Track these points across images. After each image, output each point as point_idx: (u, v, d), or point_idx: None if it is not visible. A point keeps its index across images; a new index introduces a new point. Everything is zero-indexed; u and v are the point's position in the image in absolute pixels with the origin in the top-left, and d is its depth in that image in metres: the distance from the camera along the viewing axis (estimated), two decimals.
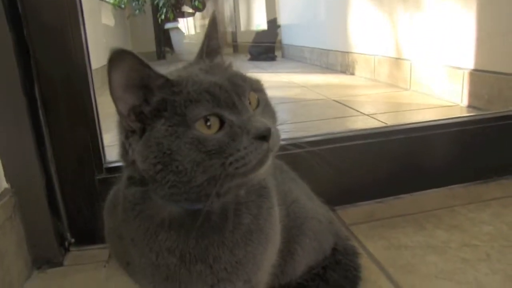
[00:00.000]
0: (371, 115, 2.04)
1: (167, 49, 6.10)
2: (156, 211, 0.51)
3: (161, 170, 0.46)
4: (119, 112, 0.48)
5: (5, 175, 0.94)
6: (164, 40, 6.04)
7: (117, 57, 0.45)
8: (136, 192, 0.53)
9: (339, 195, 1.15)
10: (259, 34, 5.31)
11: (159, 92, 0.47)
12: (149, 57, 5.73)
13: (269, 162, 0.49)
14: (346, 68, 3.45)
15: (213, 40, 0.56)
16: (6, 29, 0.87)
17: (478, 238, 0.98)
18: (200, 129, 0.46)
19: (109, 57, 0.45)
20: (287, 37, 5.17)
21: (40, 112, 0.96)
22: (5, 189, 0.94)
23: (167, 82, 0.48)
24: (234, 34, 6.60)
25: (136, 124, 0.48)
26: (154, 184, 0.48)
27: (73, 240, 1.05)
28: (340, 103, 2.37)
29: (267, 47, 5.08)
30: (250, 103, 0.50)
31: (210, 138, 0.46)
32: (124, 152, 0.51)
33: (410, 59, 2.53)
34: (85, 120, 0.98)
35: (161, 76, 0.48)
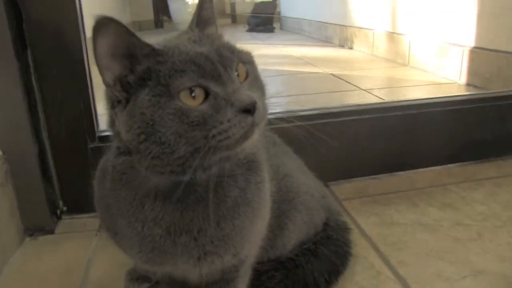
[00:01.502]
0: (368, 90, 2.03)
1: (165, 17, 6.01)
2: (143, 181, 0.50)
3: (144, 140, 0.45)
4: (105, 82, 0.47)
5: None
6: (162, 9, 5.94)
7: (102, 25, 0.44)
8: (124, 162, 0.52)
9: (333, 170, 1.14)
10: (258, 5, 5.23)
11: (144, 61, 0.46)
12: (147, 25, 5.72)
13: (255, 136, 0.48)
14: (344, 42, 3.41)
15: (205, 10, 0.55)
16: None
17: (471, 217, 0.98)
18: (184, 100, 0.45)
19: (93, 25, 0.44)
20: (286, 8, 5.10)
21: (33, 78, 0.94)
22: None
23: (153, 51, 0.47)
24: (233, 4, 6.49)
25: (121, 94, 0.47)
26: (137, 155, 0.47)
27: (65, 208, 1.05)
28: (337, 77, 2.35)
29: (265, 18, 5.01)
30: (238, 75, 0.49)
31: (193, 109, 0.45)
32: (111, 122, 0.50)
33: (409, 34, 2.50)
34: (78, 88, 0.96)
35: (147, 45, 0.46)
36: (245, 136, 0.46)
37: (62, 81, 0.95)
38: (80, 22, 0.93)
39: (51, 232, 0.99)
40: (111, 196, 0.55)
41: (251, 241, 0.59)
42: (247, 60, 0.51)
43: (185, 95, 0.45)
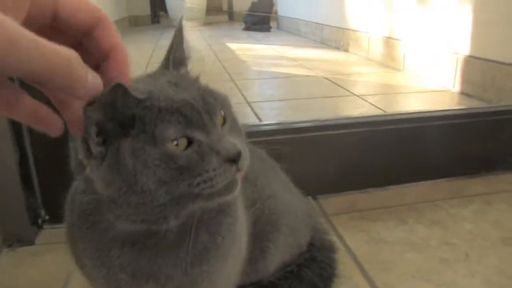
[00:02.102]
0: (361, 96, 2.02)
1: (162, 13, 5.97)
2: (110, 226, 0.48)
3: (125, 193, 0.42)
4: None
5: None
6: (159, 4, 5.90)
7: None
8: (91, 202, 0.49)
9: (322, 183, 1.13)
10: (256, 3, 5.20)
11: (128, 109, 0.43)
12: (143, 21, 5.70)
13: (238, 188, 0.47)
14: (340, 44, 3.40)
15: (180, 51, 0.52)
16: None
17: (459, 236, 0.96)
18: (169, 146, 0.43)
19: None
20: (283, 8, 5.08)
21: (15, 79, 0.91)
22: None
23: (140, 101, 0.43)
24: (230, 1, 6.46)
25: (98, 148, 0.43)
26: (111, 205, 0.45)
27: (47, 217, 1.03)
28: (331, 81, 2.33)
29: (262, 17, 4.99)
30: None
31: (180, 155, 0.43)
32: (78, 164, 0.46)
33: (405, 40, 2.49)
34: None
35: (133, 97, 0.42)
36: (229, 188, 0.45)
37: None
38: None
39: (31, 243, 0.97)
40: (76, 232, 0.53)
41: (222, 284, 0.57)
42: (225, 104, 0.49)
43: (169, 143, 0.43)
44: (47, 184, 1.00)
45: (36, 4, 0.33)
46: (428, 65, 2.25)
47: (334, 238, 0.92)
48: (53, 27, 0.37)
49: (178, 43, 0.51)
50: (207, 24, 5.85)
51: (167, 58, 0.52)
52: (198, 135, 0.44)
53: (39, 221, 1.01)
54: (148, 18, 6.01)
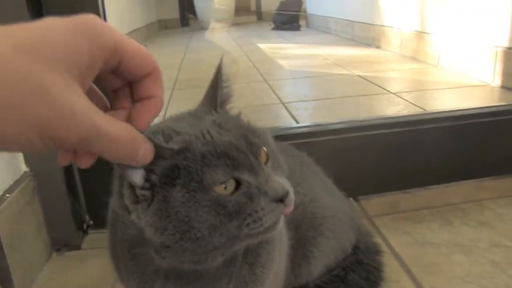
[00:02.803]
0: (397, 94, 1.98)
1: (191, 16, 6.02)
2: (153, 259, 0.48)
3: (180, 239, 0.42)
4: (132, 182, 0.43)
5: (25, 159, 0.93)
6: (188, 7, 5.96)
7: None
8: (134, 237, 0.49)
9: (363, 184, 1.11)
10: (284, 2, 5.17)
11: (167, 160, 0.42)
12: (172, 24, 5.76)
13: (281, 223, 0.47)
14: (372, 41, 3.35)
15: (225, 89, 0.51)
16: None
17: (509, 237, 0.93)
18: (218, 190, 0.43)
19: None
20: (312, 6, 5.04)
21: None
22: (25, 172, 0.93)
23: (177, 152, 0.43)
24: (258, 1, 6.46)
25: (144, 193, 0.43)
26: (162, 249, 0.45)
27: (91, 222, 1.05)
28: (365, 78, 2.30)
29: (291, 16, 4.96)
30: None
31: (229, 199, 0.43)
32: (125, 208, 0.44)
33: (439, 34, 2.43)
34: None
35: (168, 149, 0.42)
36: (274, 224, 0.45)
37: None
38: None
39: (78, 247, 0.99)
40: (120, 260, 0.54)
41: None
42: (266, 140, 0.49)
43: (218, 187, 0.43)
44: (90, 190, 1.03)
45: (107, 62, 0.35)
46: (465, 59, 2.19)
47: (378, 240, 0.90)
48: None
49: (220, 80, 0.51)
50: (235, 24, 5.87)
51: (210, 96, 0.51)
52: (246, 177, 0.44)
53: (84, 226, 1.04)
54: (177, 21, 6.06)
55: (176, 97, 2.04)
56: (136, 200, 0.43)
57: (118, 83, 0.40)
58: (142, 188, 0.42)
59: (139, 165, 0.39)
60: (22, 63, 0.28)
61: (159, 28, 5.77)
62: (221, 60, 0.52)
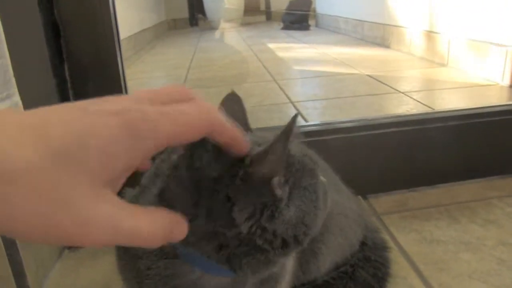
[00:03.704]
0: (406, 93, 1.98)
1: (200, 15, 6.05)
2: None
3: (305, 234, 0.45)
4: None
5: None
6: (197, 7, 5.98)
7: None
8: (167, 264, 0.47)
9: (372, 182, 1.12)
10: (293, 2, 5.18)
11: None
12: (182, 24, 5.79)
13: None
14: (381, 40, 3.35)
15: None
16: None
17: None
18: None
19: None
20: (321, 5, 5.04)
21: (70, 93, 0.95)
22: None
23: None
24: (267, 1, 6.47)
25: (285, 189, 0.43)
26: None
27: None
28: (374, 78, 2.30)
29: (301, 15, 4.97)
30: None
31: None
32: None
33: (448, 33, 2.42)
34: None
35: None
36: None
37: (99, 95, 0.96)
38: (116, 38, 0.94)
39: None
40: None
41: None
42: None
43: None
44: None
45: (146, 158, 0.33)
46: (474, 59, 2.19)
47: (386, 237, 0.91)
48: None
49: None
50: (245, 24, 5.88)
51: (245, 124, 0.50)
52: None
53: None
54: (186, 21, 6.09)
55: None
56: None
57: None
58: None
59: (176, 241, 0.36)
60: (54, 172, 0.27)
61: (169, 28, 5.80)
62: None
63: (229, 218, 0.40)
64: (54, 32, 0.91)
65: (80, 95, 0.96)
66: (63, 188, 0.27)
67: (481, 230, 0.97)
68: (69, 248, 0.99)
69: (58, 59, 0.92)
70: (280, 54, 3.32)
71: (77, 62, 0.94)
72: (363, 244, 0.80)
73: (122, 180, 0.33)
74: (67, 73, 0.94)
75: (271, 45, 3.79)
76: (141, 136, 0.30)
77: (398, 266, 0.85)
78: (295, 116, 0.38)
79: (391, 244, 0.91)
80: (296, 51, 3.47)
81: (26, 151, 0.26)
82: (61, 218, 0.27)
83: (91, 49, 0.94)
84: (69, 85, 0.95)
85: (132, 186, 0.53)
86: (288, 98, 1.98)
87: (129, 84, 1.02)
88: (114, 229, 0.29)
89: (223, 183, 0.40)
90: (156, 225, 0.32)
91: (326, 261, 0.73)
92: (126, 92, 0.99)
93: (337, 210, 0.75)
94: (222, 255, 0.42)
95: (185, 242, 0.38)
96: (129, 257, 0.52)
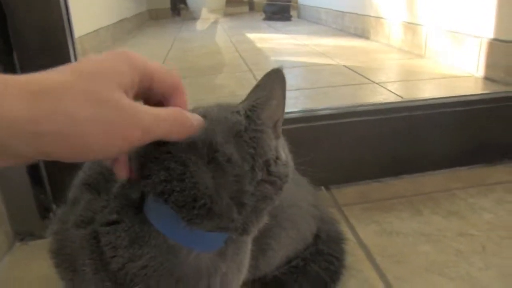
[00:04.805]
0: (381, 84, 1.96)
1: (182, 5, 5.98)
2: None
3: None
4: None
5: None
6: None
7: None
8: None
9: (335, 173, 1.10)
10: None
11: None
12: (163, 14, 5.72)
13: None
14: (361, 31, 3.33)
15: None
16: None
17: (476, 226, 0.92)
18: None
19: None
20: None
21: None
22: None
23: None
24: None
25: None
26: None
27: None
28: (351, 69, 2.28)
29: (282, 6, 4.93)
30: None
31: None
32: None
33: (426, 25, 2.41)
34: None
35: None
36: None
37: None
38: (66, 19, 0.90)
39: (42, 236, 0.97)
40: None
41: None
42: None
43: None
44: (56, 179, 1.00)
45: (141, 81, 0.40)
46: (451, 50, 2.18)
47: (345, 229, 0.89)
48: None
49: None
50: (227, 15, 5.83)
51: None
52: None
53: (50, 215, 1.02)
54: (168, 11, 6.02)
55: None
56: None
57: (151, 104, 0.42)
58: None
59: (196, 133, 0.41)
60: (91, 84, 0.35)
61: (150, 18, 5.72)
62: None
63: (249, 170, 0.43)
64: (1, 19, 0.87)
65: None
66: (105, 92, 0.35)
67: (443, 221, 0.95)
68: (21, 240, 0.96)
69: (6, 46, 0.88)
70: (259, 44, 3.28)
71: (25, 47, 0.90)
72: (317, 236, 0.78)
73: (130, 97, 0.39)
74: (16, 60, 0.90)
75: (251, 36, 3.75)
76: (133, 58, 0.39)
77: (355, 258, 0.83)
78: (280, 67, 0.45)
79: (349, 236, 0.89)
80: (275, 42, 3.44)
81: (63, 76, 0.34)
82: (116, 116, 0.34)
83: (39, 34, 0.89)
84: (19, 72, 0.91)
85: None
86: None
87: None
88: (152, 115, 0.37)
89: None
90: (178, 110, 0.41)
91: (277, 257, 0.70)
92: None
93: (290, 202, 0.72)
94: (242, 215, 0.43)
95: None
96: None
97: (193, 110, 0.45)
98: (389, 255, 0.85)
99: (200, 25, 5.08)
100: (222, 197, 0.41)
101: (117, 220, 0.43)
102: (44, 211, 1.00)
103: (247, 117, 0.44)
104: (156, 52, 3.03)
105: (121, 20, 3.92)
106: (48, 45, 0.90)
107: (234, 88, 1.99)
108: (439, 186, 1.09)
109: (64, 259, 0.52)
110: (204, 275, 0.45)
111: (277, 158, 0.46)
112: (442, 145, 1.15)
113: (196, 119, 0.42)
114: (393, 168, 1.13)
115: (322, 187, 1.08)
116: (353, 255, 0.83)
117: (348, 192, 1.08)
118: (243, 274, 0.52)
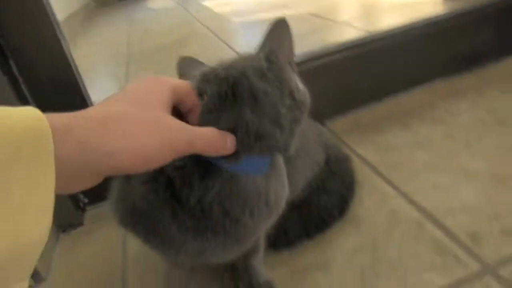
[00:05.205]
0: (346, 23, 2.04)
1: None
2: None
3: None
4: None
5: None
6: None
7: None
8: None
9: (327, 108, 1.21)
10: None
11: None
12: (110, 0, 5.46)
13: None
14: None
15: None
16: None
17: (458, 127, 1.05)
18: None
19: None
20: None
21: (23, 88, 0.97)
22: None
23: None
24: None
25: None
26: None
27: (86, 200, 1.11)
28: (316, 15, 2.33)
29: None
30: None
31: None
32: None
33: None
34: (69, 84, 0.99)
35: None
36: None
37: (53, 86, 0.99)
38: (54, 22, 0.95)
39: (81, 224, 1.06)
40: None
41: None
42: None
43: None
44: None
45: (173, 100, 0.48)
46: None
47: (347, 151, 1.01)
48: None
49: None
50: None
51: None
52: None
53: (81, 204, 1.10)
54: None
55: (134, 72, 2.05)
56: None
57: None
58: None
59: (230, 152, 0.49)
60: (142, 110, 0.42)
61: (96, 7, 5.57)
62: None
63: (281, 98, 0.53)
64: None
65: (34, 88, 0.97)
66: (155, 113, 0.42)
67: (429, 129, 1.08)
68: (64, 231, 1.05)
69: (2, 56, 0.93)
70: (218, 9, 3.29)
71: (22, 56, 0.95)
72: (327, 160, 0.89)
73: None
74: (15, 70, 0.95)
75: (208, 3, 3.74)
76: (163, 80, 0.47)
77: (362, 173, 0.96)
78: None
79: (352, 157, 1.01)
80: (234, 3, 3.43)
81: (120, 106, 0.42)
82: (166, 132, 0.42)
83: (33, 41, 0.94)
84: (20, 80, 0.96)
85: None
86: (234, 50, 2.01)
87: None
88: (193, 131, 0.45)
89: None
90: (215, 131, 0.48)
91: (299, 180, 0.81)
92: (79, 74, 1.02)
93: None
94: (283, 135, 0.53)
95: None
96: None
97: (220, 63, 0.55)
98: (391, 166, 0.97)
99: (151, 3, 5.01)
100: (265, 123, 0.51)
101: (185, 164, 0.53)
102: (76, 202, 1.09)
103: (267, 59, 0.54)
104: (117, 39, 3.01)
105: (69, 16, 3.82)
106: (43, 49, 0.95)
107: (207, 57, 2.01)
108: (420, 100, 1.22)
109: (139, 219, 0.59)
110: (262, 192, 0.55)
111: (297, 88, 0.56)
112: (416, 65, 1.26)
113: (230, 140, 0.49)
114: (377, 93, 1.25)
115: (318, 122, 1.19)
116: (360, 172, 0.96)
117: (342, 123, 1.20)
118: (287, 190, 0.63)
